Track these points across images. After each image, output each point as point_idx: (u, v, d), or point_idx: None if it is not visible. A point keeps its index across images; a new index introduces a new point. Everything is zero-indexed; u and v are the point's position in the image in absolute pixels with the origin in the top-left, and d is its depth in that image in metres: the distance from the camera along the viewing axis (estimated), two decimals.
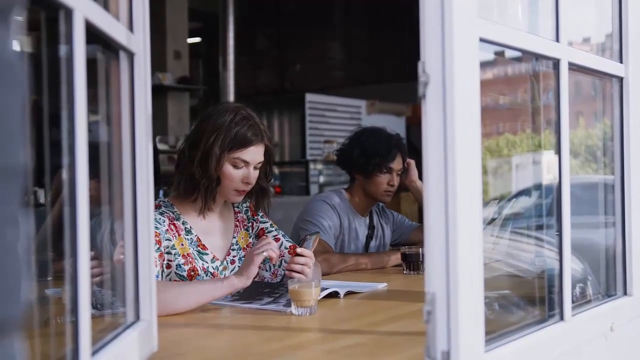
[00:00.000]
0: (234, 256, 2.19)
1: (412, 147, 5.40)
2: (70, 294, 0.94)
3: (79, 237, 0.94)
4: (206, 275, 2.08)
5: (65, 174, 0.95)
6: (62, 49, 0.95)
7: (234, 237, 2.22)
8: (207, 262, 2.09)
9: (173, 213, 2.10)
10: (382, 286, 2.23)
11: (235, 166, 2.07)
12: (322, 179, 7.29)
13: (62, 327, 1.15)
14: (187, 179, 2.08)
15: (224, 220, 2.22)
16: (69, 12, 0.93)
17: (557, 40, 1.42)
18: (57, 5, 0.90)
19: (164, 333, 1.42)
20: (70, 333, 0.94)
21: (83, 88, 0.96)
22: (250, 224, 2.28)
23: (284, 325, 1.68)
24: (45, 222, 1.73)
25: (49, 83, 0.97)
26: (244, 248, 2.23)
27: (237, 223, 2.25)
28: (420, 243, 2.79)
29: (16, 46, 0.56)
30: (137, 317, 1.29)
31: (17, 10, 0.56)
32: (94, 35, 1.03)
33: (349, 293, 2.06)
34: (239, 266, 2.16)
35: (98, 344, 1.09)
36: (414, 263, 2.53)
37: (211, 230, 2.16)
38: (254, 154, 2.08)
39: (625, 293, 1.70)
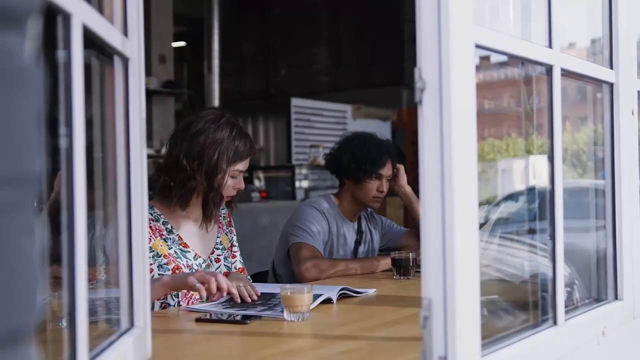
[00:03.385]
0: (218, 255, 2.28)
1: (398, 152, 5.39)
2: (68, 301, 0.93)
3: (76, 244, 0.93)
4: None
5: (62, 179, 0.94)
6: (60, 54, 0.94)
7: (218, 237, 2.31)
8: (190, 260, 2.16)
9: (152, 215, 2.13)
10: (372, 292, 2.23)
11: (233, 177, 2.19)
12: (308, 184, 7.27)
13: (54, 334, 1.14)
14: (187, 190, 2.13)
15: None
16: (67, 17, 0.92)
17: (550, 46, 1.43)
18: (56, 10, 0.89)
19: (157, 340, 1.41)
20: (68, 340, 0.93)
21: (81, 92, 0.95)
22: (229, 229, 2.39)
23: (277, 331, 1.68)
24: None
25: (45, 87, 0.96)
26: (227, 248, 2.32)
27: (220, 225, 2.34)
28: (408, 248, 2.80)
29: (31, 53, 0.55)
30: (132, 324, 1.28)
31: (32, 18, 0.56)
32: (89, 39, 1.03)
33: (342, 297, 2.06)
34: (224, 264, 2.28)
35: (93, 351, 1.08)
36: (404, 268, 2.53)
37: (194, 231, 2.23)
38: (248, 163, 2.23)
39: (616, 297, 1.71)
